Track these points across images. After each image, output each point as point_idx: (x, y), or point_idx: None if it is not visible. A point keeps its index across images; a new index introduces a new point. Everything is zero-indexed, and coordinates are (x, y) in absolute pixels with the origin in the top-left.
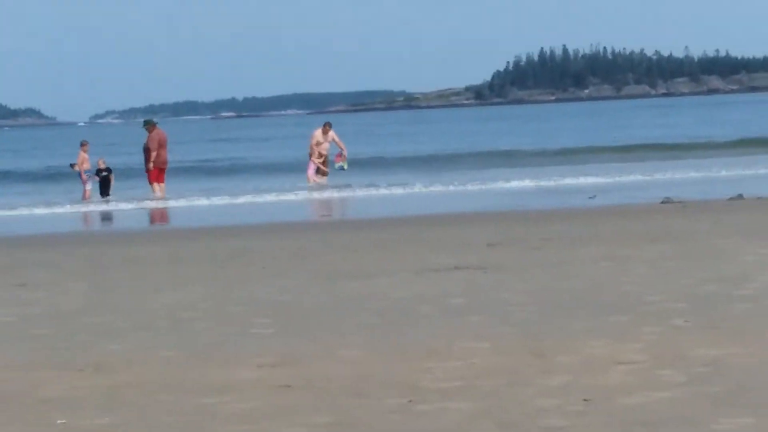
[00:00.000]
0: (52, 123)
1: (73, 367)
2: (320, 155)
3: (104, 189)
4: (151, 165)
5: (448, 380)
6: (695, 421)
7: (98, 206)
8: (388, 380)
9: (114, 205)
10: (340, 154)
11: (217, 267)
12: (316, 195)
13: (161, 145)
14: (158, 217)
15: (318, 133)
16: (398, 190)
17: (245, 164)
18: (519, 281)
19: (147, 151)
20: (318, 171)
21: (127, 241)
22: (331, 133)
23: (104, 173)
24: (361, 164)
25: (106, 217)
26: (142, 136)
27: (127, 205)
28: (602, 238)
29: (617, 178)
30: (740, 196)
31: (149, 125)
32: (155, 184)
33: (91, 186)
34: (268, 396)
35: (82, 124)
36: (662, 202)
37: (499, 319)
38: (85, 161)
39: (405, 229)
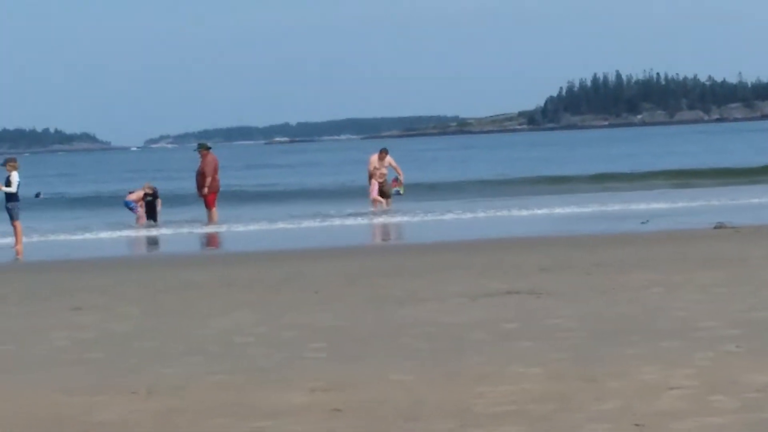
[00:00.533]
0: (106, 147)
1: (127, 391)
2: (378, 180)
3: (151, 214)
4: (207, 190)
5: (500, 405)
6: None
7: (151, 231)
8: (440, 405)
9: (166, 229)
10: (396, 179)
11: (269, 291)
12: (369, 220)
13: (215, 169)
14: (214, 242)
15: (374, 159)
16: (450, 215)
17: (298, 189)
18: (571, 306)
19: (202, 175)
20: (383, 194)
21: (179, 265)
22: (388, 159)
23: (149, 198)
24: (414, 189)
25: (158, 242)
26: (194, 161)
27: (180, 230)
28: (654, 263)
29: (669, 204)
30: None
31: (203, 149)
32: (213, 210)
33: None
34: (320, 420)
35: (134, 149)
36: (715, 227)
37: (551, 344)
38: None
39: (457, 254)
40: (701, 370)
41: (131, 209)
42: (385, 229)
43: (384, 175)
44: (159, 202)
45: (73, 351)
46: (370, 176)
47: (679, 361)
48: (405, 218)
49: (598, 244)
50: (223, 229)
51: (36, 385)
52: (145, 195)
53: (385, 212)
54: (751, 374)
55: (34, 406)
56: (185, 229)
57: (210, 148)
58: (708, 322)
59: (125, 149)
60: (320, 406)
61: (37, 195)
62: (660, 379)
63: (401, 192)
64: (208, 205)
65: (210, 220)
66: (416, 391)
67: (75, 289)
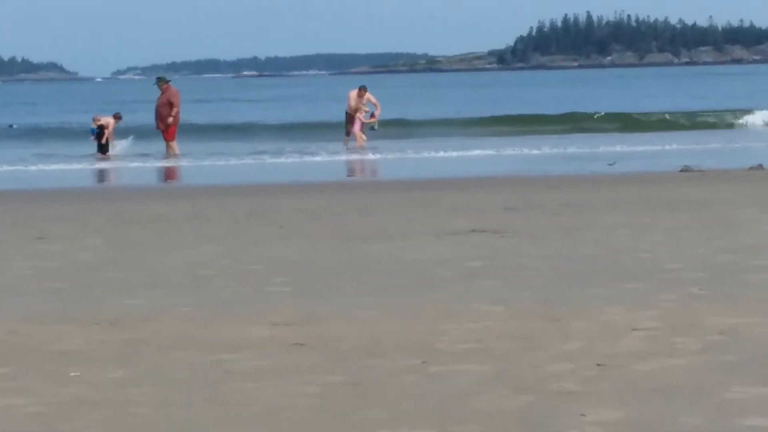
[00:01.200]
0: (73, 78)
1: (89, 322)
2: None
3: (101, 146)
4: (172, 120)
5: (463, 342)
6: (708, 389)
7: (115, 163)
8: (403, 341)
9: (130, 161)
10: (373, 114)
11: (235, 225)
12: (341, 156)
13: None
14: (174, 175)
15: (354, 95)
16: (421, 154)
17: (269, 124)
18: (536, 246)
19: (167, 107)
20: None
21: (145, 197)
22: (367, 95)
23: (99, 130)
24: (385, 126)
25: (123, 174)
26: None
27: (142, 163)
28: (621, 205)
29: (635, 147)
30: (760, 166)
31: (163, 82)
32: (173, 143)
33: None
34: (282, 354)
35: (99, 79)
36: (681, 171)
37: (515, 283)
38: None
39: (424, 192)
40: (665, 311)
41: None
42: (356, 165)
43: (362, 112)
44: (107, 132)
45: (37, 280)
46: (350, 112)
47: (643, 302)
48: (376, 155)
49: (564, 185)
50: (184, 162)
51: None
52: (100, 127)
53: (358, 149)
54: (714, 317)
55: None
56: (148, 163)
57: (169, 81)
58: (673, 264)
59: (91, 80)
60: (282, 340)
61: (11, 126)
62: (623, 320)
63: (375, 127)
64: (168, 138)
65: (170, 154)
66: (379, 328)
67: (39, 219)
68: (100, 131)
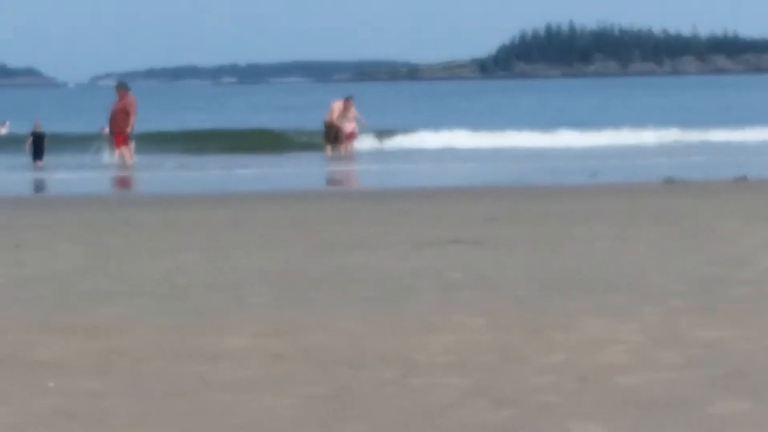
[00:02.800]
0: (50, 84)
1: (66, 331)
2: (338, 128)
3: (38, 153)
4: (129, 129)
5: (443, 354)
6: (691, 403)
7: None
8: (383, 353)
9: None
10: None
11: (214, 234)
12: (322, 165)
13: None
14: (126, 182)
15: (338, 106)
16: (400, 164)
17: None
18: (517, 257)
19: (123, 114)
20: (336, 139)
21: (122, 205)
22: (354, 112)
23: (38, 137)
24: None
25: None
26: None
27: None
28: (602, 216)
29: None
30: (744, 178)
31: (122, 89)
32: (125, 149)
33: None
34: (262, 365)
35: (72, 85)
36: (664, 182)
37: (496, 294)
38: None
39: (404, 202)
40: (648, 324)
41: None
42: (338, 175)
43: (346, 125)
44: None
45: (12, 288)
46: (332, 123)
47: (625, 315)
48: (358, 165)
49: (545, 196)
50: (135, 168)
51: None
52: (34, 133)
53: (340, 158)
54: (697, 330)
55: None
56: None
57: (129, 89)
58: (656, 276)
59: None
60: (262, 351)
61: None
62: (606, 332)
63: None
64: (119, 145)
65: (122, 161)
66: (359, 339)
67: (14, 226)
68: (40, 138)
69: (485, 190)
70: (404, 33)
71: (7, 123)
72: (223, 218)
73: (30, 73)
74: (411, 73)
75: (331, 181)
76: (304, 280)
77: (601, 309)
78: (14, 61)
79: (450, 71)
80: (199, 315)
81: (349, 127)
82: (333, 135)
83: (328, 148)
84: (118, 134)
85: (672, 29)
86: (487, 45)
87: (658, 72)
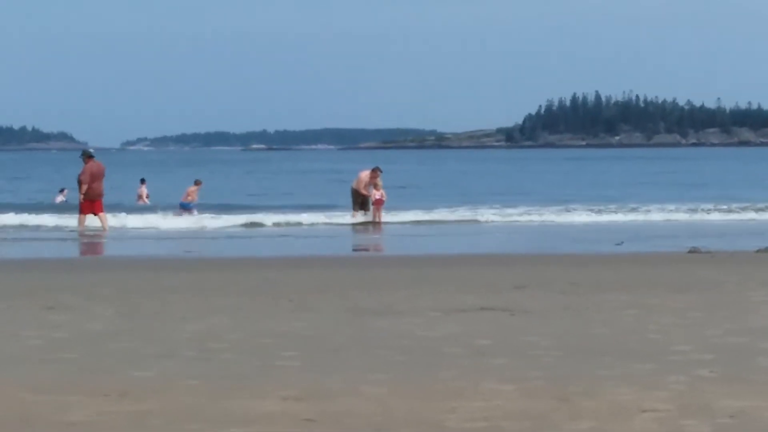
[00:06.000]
0: (83, 148)
1: (99, 393)
2: (364, 196)
3: None
4: (82, 197)
5: (472, 421)
6: None
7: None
8: (412, 418)
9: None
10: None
11: (243, 298)
12: (348, 229)
13: (95, 177)
14: (97, 249)
15: (365, 176)
16: (431, 229)
17: (274, 196)
18: (545, 325)
19: (79, 182)
20: (362, 206)
21: (153, 268)
22: (379, 182)
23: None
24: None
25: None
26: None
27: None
28: (629, 285)
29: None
30: (767, 249)
31: (85, 156)
32: (84, 216)
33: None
34: (292, 429)
35: (91, 150)
36: (689, 252)
37: (525, 362)
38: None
39: (433, 268)
40: (675, 393)
41: (189, 209)
42: (364, 240)
43: (370, 192)
44: None
45: (46, 350)
46: (359, 191)
47: (652, 383)
48: (385, 231)
49: (573, 264)
50: (106, 233)
51: (6, 383)
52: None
53: (366, 224)
54: (724, 400)
55: (3, 404)
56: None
57: (93, 156)
58: (682, 345)
59: (101, 150)
60: (292, 415)
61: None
62: (633, 401)
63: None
64: (83, 212)
65: (79, 228)
66: (388, 404)
67: (48, 288)
68: None
69: (514, 258)
70: (431, 101)
71: (65, 191)
72: (252, 282)
73: (62, 137)
74: (438, 141)
75: (359, 246)
76: (332, 344)
77: (628, 377)
78: (48, 126)
79: (476, 140)
80: (230, 378)
81: (376, 194)
82: (360, 202)
83: (356, 214)
84: (97, 200)
85: (696, 101)
86: (513, 115)
87: (682, 143)
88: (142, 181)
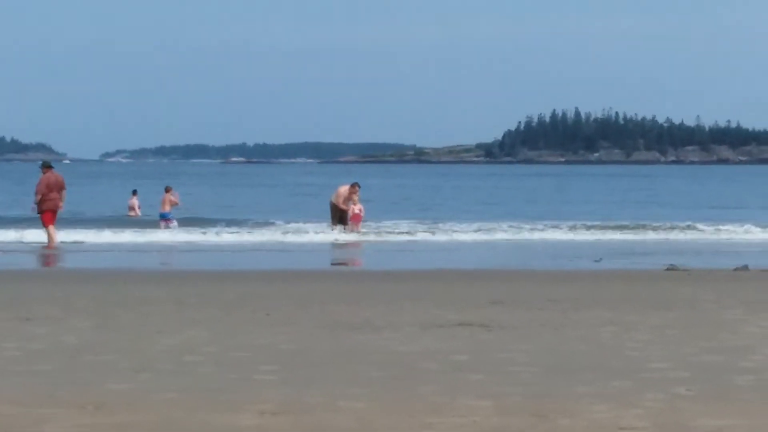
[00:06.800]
0: (61, 159)
1: (75, 405)
2: (343, 210)
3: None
4: (35, 206)
5: None
6: None
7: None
8: None
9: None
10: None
11: (221, 311)
12: (326, 244)
13: (51, 188)
14: (51, 261)
15: (344, 191)
16: (403, 248)
17: (256, 209)
18: (522, 341)
19: (36, 194)
20: (341, 221)
21: (130, 280)
22: (356, 198)
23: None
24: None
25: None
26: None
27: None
28: (607, 302)
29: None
30: (745, 267)
31: (44, 167)
32: (51, 227)
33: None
34: None
35: (67, 161)
36: (667, 269)
37: (502, 378)
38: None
39: (411, 283)
40: (651, 411)
41: (168, 219)
42: (342, 254)
43: (349, 207)
44: None
45: (23, 362)
46: (338, 205)
47: (629, 401)
48: (363, 245)
49: (551, 280)
50: (57, 248)
51: None
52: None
53: (345, 239)
54: (701, 418)
55: None
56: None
57: (51, 167)
58: (659, 363)
59: (80, 161)
60: (270, 429)
61: None
62: (610, 418)
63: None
64: (47, 223)
65: (48, 239)
66: (366, 419)
67: (26, 299)
68: None
69: (491, 273)
70: (411, 116)
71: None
72: (230, 295)
73: (41, 148)
74: (417, 155)
75: (337, 261)
76: (310, 359)
77: (605, 394)
78: (26, 137)
79: (456, 155)
80: (207, 391)
81: (355, 209)
82: (338, 216)
83: (334, 228)
84: (39, 212)
85: (676, 118)
86: (493, 130)
87: (662, 161)
88: (134, 192)
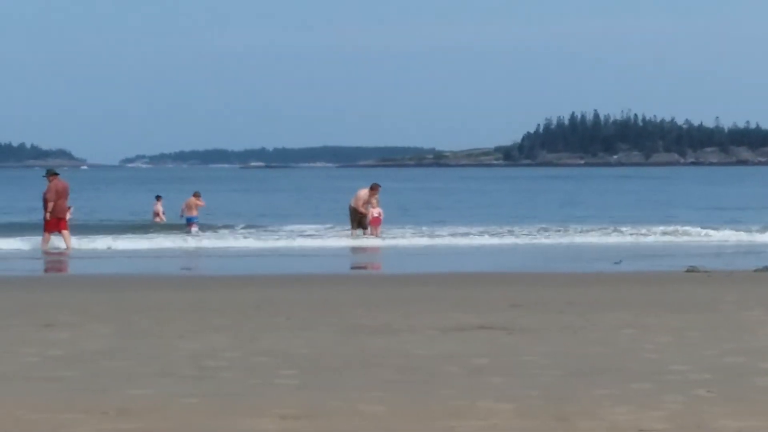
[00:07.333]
0: (80, 165)
1: (97, 411)
2: (362, 214)
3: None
4: (48, 215)
5: None
6: None
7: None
8: None
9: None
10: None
11: (241, 316)
12: (345, 248)
13: (60, 195)
14: (61, 266)
15: (364, 194)
16: (426, 247)
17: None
18: (542, 344)
19: (44, 201)
20: (360, 225)
21: (151, 286)
22: (375, 201)
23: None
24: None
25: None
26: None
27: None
28: (626, 304)
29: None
30: (766, 269)
31: (50, 175)
32: (48, 234)
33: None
34: None
35: (85, 167)
36: (687, 271)
37: (522, 381)
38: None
39: (431, 287)
40: (672, 413)
41: (192, 223)
42: (362, 258)
43: (368, 209)
44: None
45: (43, 368)
46: (357, 208)
47: (649, 403)
48: (383, 249)
49: (570, 283)
50: (69, 252)
51: (3, 402)
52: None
53: (364, 242)
54: (721, 419)
55: (0, 423)
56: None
57: (57, 174)
58: (679, 365)
59: (100, 167)
60: None
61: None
62: (631, 420)
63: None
64: (48, 230)
65: (43, 245)
66: (386, 423)
67: (45, 306)
68: None
69: (511, 277)
70: (430, 120)
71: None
72: (249, 300)
73: (61, 154)
74: (436, 159)
75: (357, 264)
76: (330, 363)
77: (625, 396)
78: (46, 143)
79: (474, 158)
80: (228, 396)
81: (374, 212)
82: (357, 221)
83: (353, 232)
84: (44, 220)
85: (695, 120)
86: (512, 133)
87: (681, 162)
88: (158, 198)
